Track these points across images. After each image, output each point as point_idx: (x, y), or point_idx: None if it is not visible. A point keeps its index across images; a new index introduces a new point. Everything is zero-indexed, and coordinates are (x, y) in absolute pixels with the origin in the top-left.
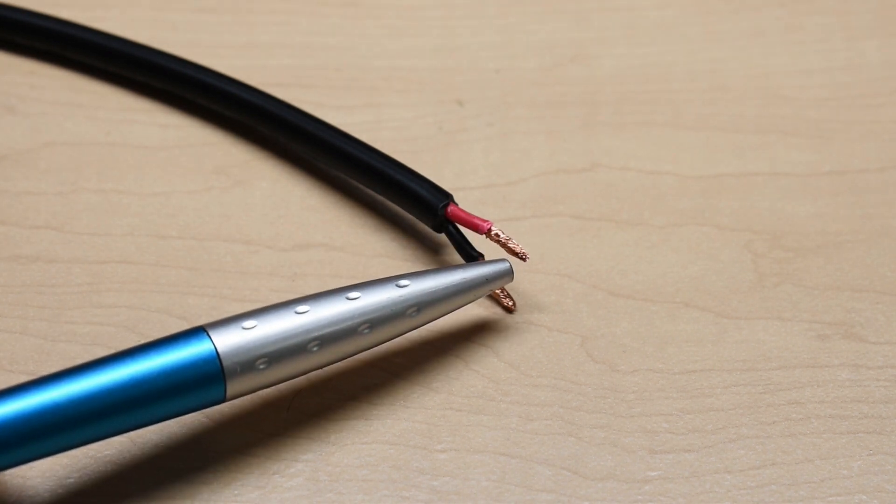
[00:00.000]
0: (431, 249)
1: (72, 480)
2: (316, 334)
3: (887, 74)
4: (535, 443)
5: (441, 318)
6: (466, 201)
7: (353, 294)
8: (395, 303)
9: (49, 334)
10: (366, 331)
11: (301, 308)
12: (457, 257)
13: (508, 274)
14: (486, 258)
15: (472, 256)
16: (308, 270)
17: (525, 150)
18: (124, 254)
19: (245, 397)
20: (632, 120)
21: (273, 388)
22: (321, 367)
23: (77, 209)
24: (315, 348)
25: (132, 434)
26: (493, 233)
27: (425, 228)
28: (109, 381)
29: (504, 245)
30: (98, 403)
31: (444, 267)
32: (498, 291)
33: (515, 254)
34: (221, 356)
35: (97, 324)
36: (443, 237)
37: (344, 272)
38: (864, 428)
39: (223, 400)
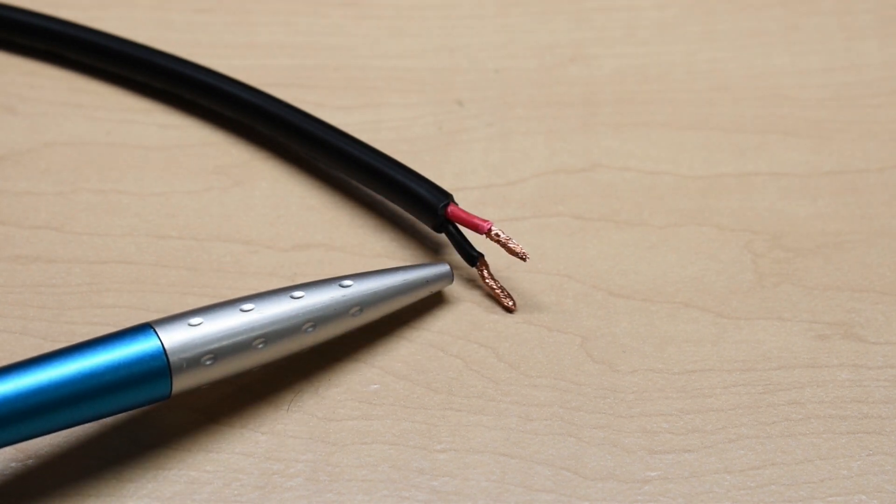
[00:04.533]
0: (431, 249)
1: (70, 481)
2: (260, 332)
3: (887, 74)
4: (535, 443)
5: (441, 318)
6: (466, 201)
7: (297, 293)
8: (339, 303)
9: (49, 334)
10: (310, 329)
11: (246, 306)
12: (457, 257)
13: (447, 277)
14: (486, 258)
15: (472, 256)
16: (308, 270)
17: (525, 150)
18: (124, 254)
19: (244, 397)
20: (632, 120)
21: (272, 388)
22: (266, 364)
23: (77, 209)
24: (260, 345)
25: (133, 435)
26: (493, 233)
27: (425, 228)
28: (57, 377)
29: (504, 245)
30: (44, 398)
31: (385, 269)
32: (498, 291)
33: (515, 254)
34: (168, 352)
35: (97, 324)
36: (443, 237)
37: (343, 272)
38: (863, 428)
39: (169, 395)
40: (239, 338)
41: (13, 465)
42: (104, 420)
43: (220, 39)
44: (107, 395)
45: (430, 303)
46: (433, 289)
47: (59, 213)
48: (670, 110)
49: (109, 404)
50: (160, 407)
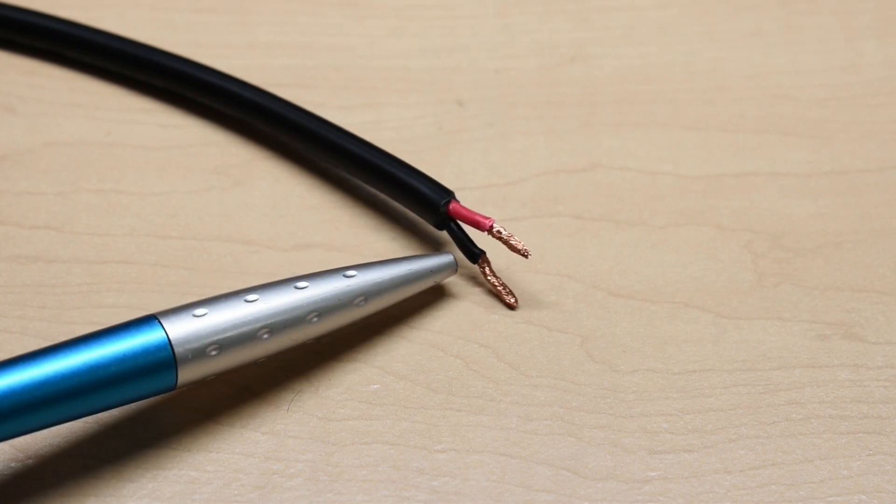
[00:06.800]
0: (432, 248)
1: (70, 481)
2: (265, 322)
3: (887, 74)
4: (535, 443)
5: (441, 318)
6: (466, 201)
7: (301, 284)
8: (343, 293)
9: (49, 334)
10: (314, 319)
11: (251, 297)
12: (458, 254)
13: (452, 266)
14: (488, 255)
15: (473, 254)
16: (308, 270)
17: (525, 150)
18: (124, 254)
19: (244, 397)
20: (632, 120)
21: (273, 387)
22: (272, 354)
23: (77, 209)
24: (265, 336)
25: (133, 435)
26: (494, 230)
27: (426, 228)
28: (63, 369)
29: (506, 242)
30: (51, 390)
31: (388, 259)
32: (500, 288)
33: (517, 251)
34: (173, 343)
35: (97, 324)
36: (444, 234)
37: None
38: (864, 428)
39: (174, 387)
40: (244, 328)
41: (13, 464)
42: (104, 420)
43: (220, 39)
44: (112, 386)
45: (430, 302)
46: (437, 279)
47: (59, 213)
48: (670, 110)
49: (115, 396)
50: (160, 407)
